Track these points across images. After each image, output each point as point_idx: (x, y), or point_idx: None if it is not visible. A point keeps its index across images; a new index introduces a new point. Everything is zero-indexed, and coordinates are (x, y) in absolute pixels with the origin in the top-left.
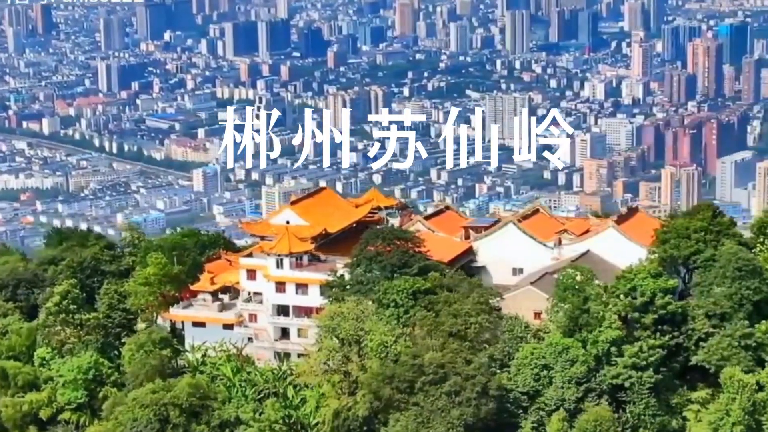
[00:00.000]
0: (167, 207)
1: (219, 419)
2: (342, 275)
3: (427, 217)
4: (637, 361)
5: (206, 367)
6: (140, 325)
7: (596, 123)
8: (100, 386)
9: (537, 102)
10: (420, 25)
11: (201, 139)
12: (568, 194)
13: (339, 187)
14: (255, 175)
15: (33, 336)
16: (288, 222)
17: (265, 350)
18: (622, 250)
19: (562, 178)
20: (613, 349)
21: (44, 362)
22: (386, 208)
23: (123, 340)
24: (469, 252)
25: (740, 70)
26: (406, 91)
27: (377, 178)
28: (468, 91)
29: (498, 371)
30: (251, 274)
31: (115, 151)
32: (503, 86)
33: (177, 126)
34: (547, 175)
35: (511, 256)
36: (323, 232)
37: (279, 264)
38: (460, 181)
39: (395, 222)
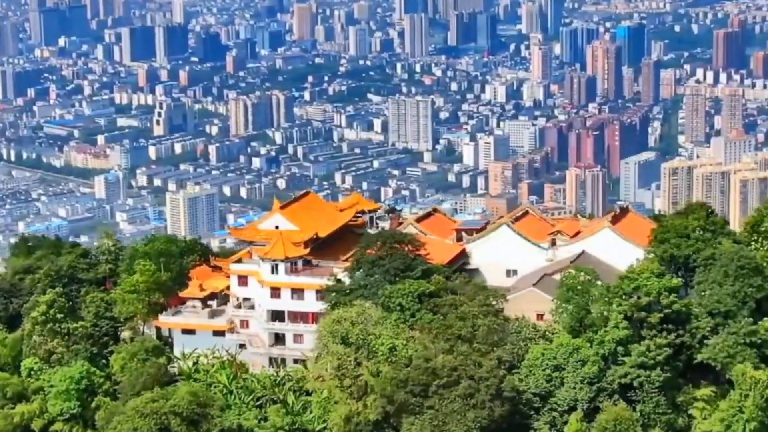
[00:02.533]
0: (69, 214)
1: (220, 427)
2: (339, 279)
3: (417, 220)
4: (645, 360)
5: (200, 374)
6: (125, 333)
7: (499, 125)
8: (92, 396)
9: (439, 105)
10: (318, 29)
11: (101, 145)
12: (473, 197)
13: (243, 192)
14: (158, 181)
15: (18, 346)
16: (277, 227)
17: (259, 356)
18: (617, 250)
19: (466, 181)
20: (619, 348)
21: (32, 373)
22: (370, 211)
23: (110, 349)
24: (463, 254)
25: (639, 71)
26: (307, 95)
27: (281, 183)
28: (369, 95)
29: (506, 373)
30: (243, 279)
31: (13, 158)
32: (404, 89)
33: (76, 133)
34: (451, 177)
35: (504, 257)
36: (315, 237)
37: (274, 269)
38: (365, 185)
39: (385, 225)
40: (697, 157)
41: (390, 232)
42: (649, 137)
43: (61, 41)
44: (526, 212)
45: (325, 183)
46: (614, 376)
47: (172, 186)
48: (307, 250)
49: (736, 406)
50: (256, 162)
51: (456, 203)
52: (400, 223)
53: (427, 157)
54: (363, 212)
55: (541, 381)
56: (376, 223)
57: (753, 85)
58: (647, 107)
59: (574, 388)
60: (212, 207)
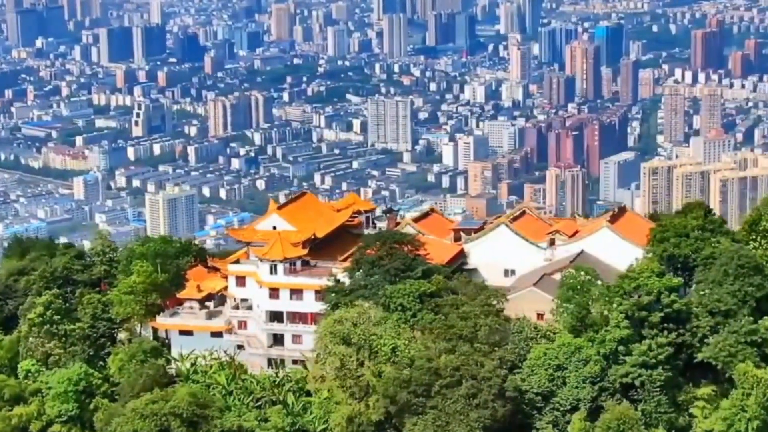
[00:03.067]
0: (48, 216)
1: (220, 428)
2: (338, 280)
3: (415, 220)
4: (647, 360)
5: (198, 375)
6: (121, 335)
7: (478, 126)
8: (90, 398)
9: (418, 105)
10: (296, 29)
11: (79, 146)
12: (453, 197)
13: (222, 193)
14: (137, 183)
15: (15, 348)
16: (275, 227)
17: (258, 357)
18: (616, 249)
19: (446, 181)
20: (620, 348)
21: (29, 374)
22: (366, 212)
23: (107, 351)
24: (461, 254)
25: (618, 71)
26: (286, 96)
27: (261, 184)
28: (348, 96)
29: (508, 373)
30: (240, 280)
31: None
32: (383, 90)
33: (54, 134)
34: (431, 178)
35: (503, 257)
36: (313, 237)
37: (273, 270)
38: (344, 186)
39: (382, 225)
40: (677, 156)
41: (389, 232)
42: (629, 137)
43: (39, 42)
44: (524, 212)
45: (304, 184)
46: (615, 375)
47: (151, 187)
48: (306, 251)
49: (738, 405)
50: (235, 163)
51: (436, 203)
52: (398, 224)
53: (406, 157)
54: (359, 212)
55: (543, 380)
56: (373, 223)
57: (731, 85)
58: (626, 107)
59: (576, 387)
60: (192, 208)
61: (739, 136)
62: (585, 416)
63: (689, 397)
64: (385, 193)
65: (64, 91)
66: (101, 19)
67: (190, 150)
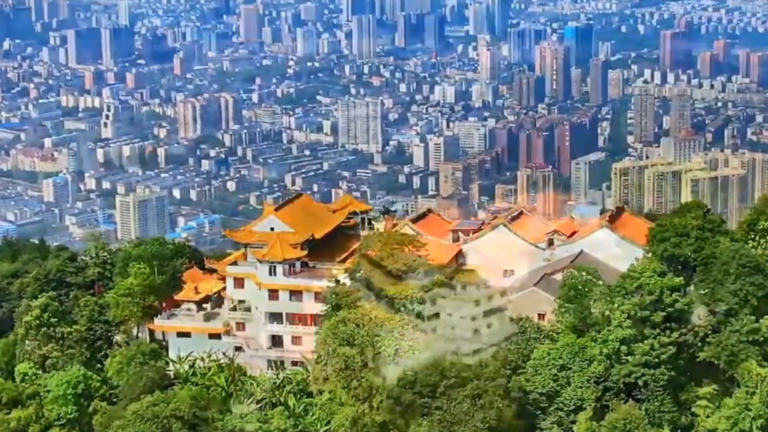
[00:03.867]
0: (18, 218)
1: (221, 430)
2: (338, 281)
3: (412, 221)
4: (650, 359)
5: (197, 377)
6: (118, 337)
7: (448, 126)
8: (89, 400)
9: (388, 106)
10: (265, 30)
11: (48, 148)
12: (424, 198)
13: (193, 195)
14: (106, 184)
15: (11, 351)
16: (272, 228)
17: (257, 359)
18: (616, 249)
19: (417, 182)
20: (623, 347)
21: (26, 378)
22: (362, 213)
23: (104, 353)
24: (460, 255)
25: (587, 72)
26: (255, 97)
27: (231, 186)
28: (318, 97)
29: (512, 373)
30: (239, 282)
31: None
32: (353, 91)
33: (23, 136)
34: (402, 179)
35: (501, 258)
36: (311, 238)
37: (272, 271)
38: (315, 187)
39: (380, 226)
40: (647, 157)
41: (390, 233)
42: (599, 137)
43: (6, 44)
44: (521, 212)
45: (275, 185)
46: (619, 375)
47: (121, 189)
48: (305, 252)
49: (742, 403)
50: (206, 164)
51: (407, 204)
52: (395, 225)
53: (377, 158)
54: (355, 213)
55: (547, 381)
56: (369, 224)
57: (700, 85)
58: (596, 108)
59: (581, 387)
60: (162, 210)
61: (709, 136)
62: (591, 416)
63: (691, 396)
64: (357, 194)
65: (32, 93)
66: (68, 21)
67: (160, 152)
